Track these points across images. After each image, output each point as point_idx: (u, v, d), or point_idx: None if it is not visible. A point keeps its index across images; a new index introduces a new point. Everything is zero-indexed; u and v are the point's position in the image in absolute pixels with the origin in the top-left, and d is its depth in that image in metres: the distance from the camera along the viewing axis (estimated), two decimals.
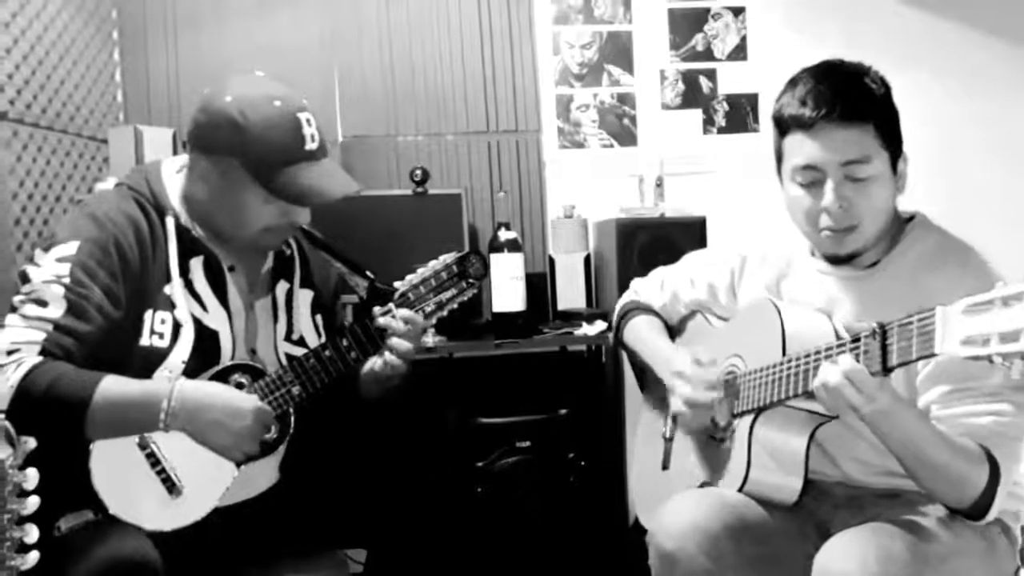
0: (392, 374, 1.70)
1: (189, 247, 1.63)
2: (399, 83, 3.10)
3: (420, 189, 2.82)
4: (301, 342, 1.74)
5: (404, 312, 1.68)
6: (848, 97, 1.46)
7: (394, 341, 1.66)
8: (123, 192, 1.63)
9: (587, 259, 2.92)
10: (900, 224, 1.56)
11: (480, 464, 2.62)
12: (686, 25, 3.25)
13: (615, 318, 1.97)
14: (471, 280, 1.72)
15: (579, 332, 2.65)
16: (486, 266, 1.74)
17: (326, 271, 1.86)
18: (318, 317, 1.80)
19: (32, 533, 1.17)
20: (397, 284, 1.71)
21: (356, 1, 3.08)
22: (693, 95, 3.26)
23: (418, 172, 2.81)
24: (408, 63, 3.10)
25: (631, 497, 1.95)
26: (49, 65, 2.49)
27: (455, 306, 1.73)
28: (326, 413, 1.85)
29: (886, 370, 1.27)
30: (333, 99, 3.06)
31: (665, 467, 1.79)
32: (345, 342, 1.66)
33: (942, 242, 1.52)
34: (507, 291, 2.64)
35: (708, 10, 3.25)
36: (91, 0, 2.78)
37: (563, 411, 2.69)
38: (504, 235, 2.66)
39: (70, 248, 1.51)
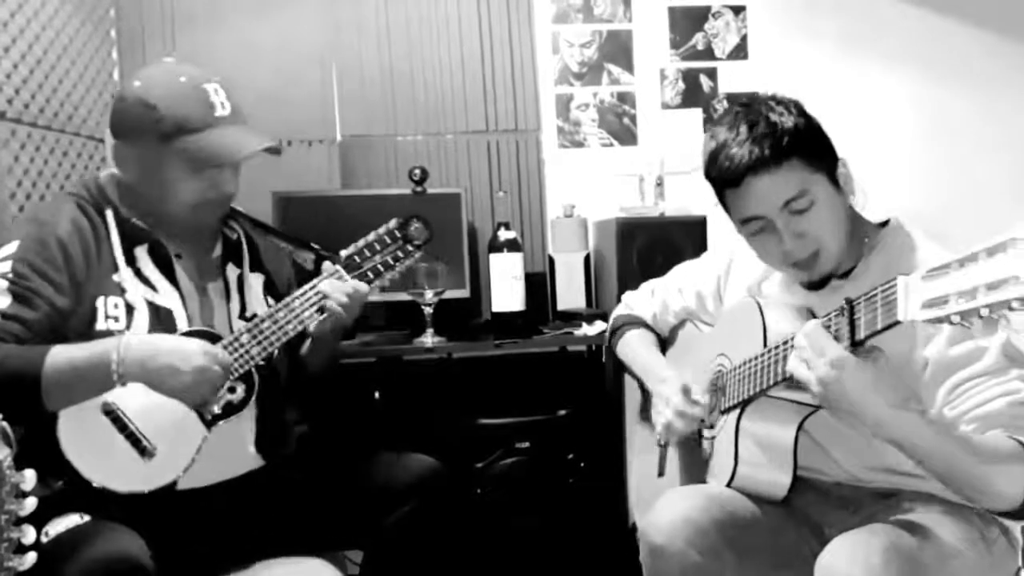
0: (329, 331, 1.78)
1: (132, 237, 1.69)
2: (398, 82, 3.09)
3: (419, 189, 2.81)
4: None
5: (353, 282, 1.75)
6: (763, 142, 1.45)
7: (337, 297, 1.73)
8: (62, 196, 1.72)
9: (587, 259, 2.91)
10: (872, 230, 1.55)
11: (479, 465, 2.61)
12: (686, 24, 3.24)
13: (608, 332, 2.00)
14: (415, 243, 1.79)
15: (579, 332, 2.64)
16: (430, 230, 1.81)
17: (278, 259, 1.93)
18: (270, 299, 1.85)
19: (29, 534, 1.17)
20: (342, 252, 1.79)
21: (355, 1, 3.07)
22: (693, 94, 3.25)
23: (417, 171, 2.80)
24: (407, 62, 3.09)
25: (631, 503, 1.95)
26: (47, 64, 2.48)
27: (402, 269, 1.81)
28: (299, 389, 1.88)
29: (855, 343, 1.27)
30: (332, 98, 3.05)
31: (661, 474, 1.79)
32: (297, 302, 1.72)
33: (915, 246, 1.51)
34: (506, 291, 2.63)
35: (708, 8, 3.24)
36: None
37: (563, 412, 2.68)
38: (504, 235, 2.65)
39: (11, 248, 1.60)
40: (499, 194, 2.95)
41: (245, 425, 1.73)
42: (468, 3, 3.11)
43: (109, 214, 1.69)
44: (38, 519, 1.38)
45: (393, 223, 1.80)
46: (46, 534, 1.46)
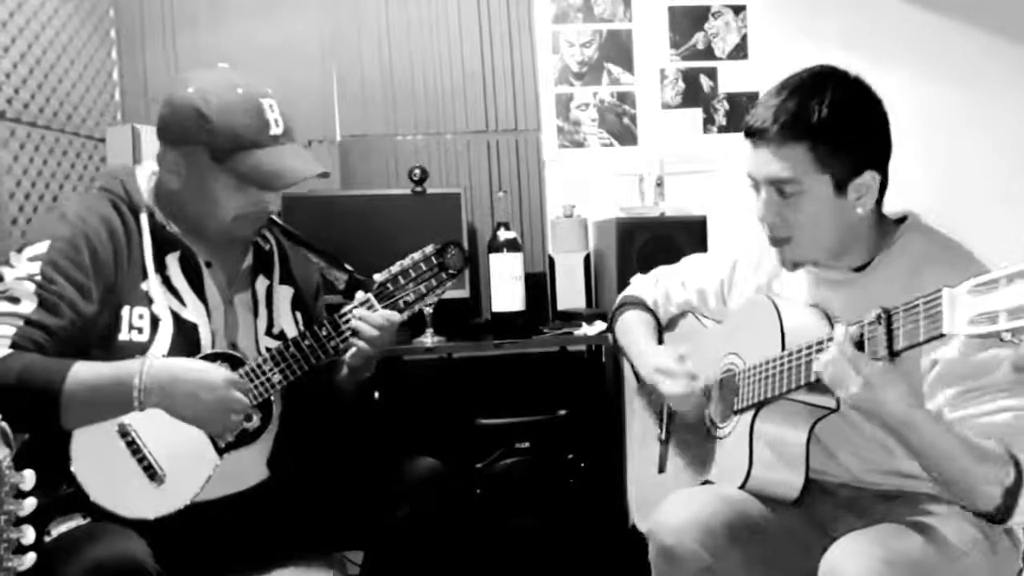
0: (361, 363, 1.73)
1: (165, 243, 1.64)
2: (398, 82, 3.08)
3: (419, 188, 2.81)
4: (281, 336, 1.75)
5: (385, 312, 1.69)
6: (780, 117, 1.45)
7: (366, 330, 1.68)
8: (95, 193, 1.65)
9: (587, 259, 2.91)
10: (890, 226, 1.55)
11: (479, 465, 2.61)
12: (686, 23, 3.24)
13: (611, 311, 2.00)
14: (451, 271, 1.74)
15: (579, 332, 2.64)
16: (466, 257, 1.76)
17: (307, 269, 1.88)
18: (298, 313, 1.82)
19: (29, 534, 1.16)
20: (376, 276, 1.73)
21: (355, 0, 3.07)
22: (693, 94, 3.25)
23: (417, 171, 2.80)
24: (407, 62, 3.09)
25: (630, 502, 1.95)
26: (47, 64, 2.47)
27: (435, 298, 1.75)
28: (319, 413, 1.85)
29: (893, 354, 1.26)
30: (332, 98, 3.05)
31: (661, 470, 1.79)
32: (324, 331, 1.68)
33: (932, 242, 1.50)
34: (506, 291, 2.63)
35: (708, 8, 3.24)
36: None
37: (562, 412, 2.68)
38: (503, 235, 2.65)
39: (41, 247, 1.53)
40: (499, 194, 2.94)
41: (260, 446, 1.71)
42: (468, 3, 3.10)
43: (143, 217, 1.64)
44: (41, 519, 1.38)
45: (429, 249, 1.74)
46: (48, 534, 1.45)
